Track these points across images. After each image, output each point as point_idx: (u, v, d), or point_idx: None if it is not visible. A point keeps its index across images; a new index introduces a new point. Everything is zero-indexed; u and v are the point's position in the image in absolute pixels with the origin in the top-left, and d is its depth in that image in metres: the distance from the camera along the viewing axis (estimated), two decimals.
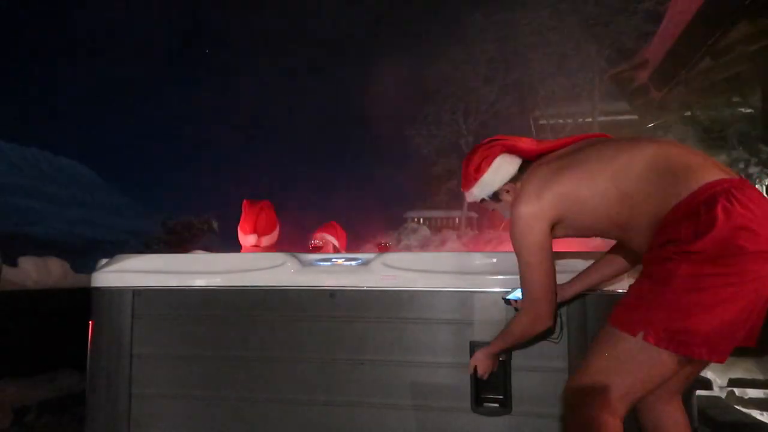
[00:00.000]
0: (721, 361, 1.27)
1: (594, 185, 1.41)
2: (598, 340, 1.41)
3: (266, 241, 2.81)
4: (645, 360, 1.29)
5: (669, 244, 1.28)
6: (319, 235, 3.45)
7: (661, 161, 1.36)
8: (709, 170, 1.30)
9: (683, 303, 1.24)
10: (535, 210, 1.46)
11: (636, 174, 1.36)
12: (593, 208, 1.43)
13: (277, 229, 2.87)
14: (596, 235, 1.56)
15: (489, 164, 1.60)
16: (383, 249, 3.51)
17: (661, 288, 1.27)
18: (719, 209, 1.21)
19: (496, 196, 1.64)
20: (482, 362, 1.70)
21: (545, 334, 1.70)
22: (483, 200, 1.67)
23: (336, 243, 3.44)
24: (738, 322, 1.23)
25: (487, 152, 1.62)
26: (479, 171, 1.62)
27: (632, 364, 1.31)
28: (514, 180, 1.60)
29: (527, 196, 1.49)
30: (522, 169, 1.59)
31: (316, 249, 3.41)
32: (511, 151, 1.61)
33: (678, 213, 1.27)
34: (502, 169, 1.60)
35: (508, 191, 1.61)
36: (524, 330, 1.59)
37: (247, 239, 2.79)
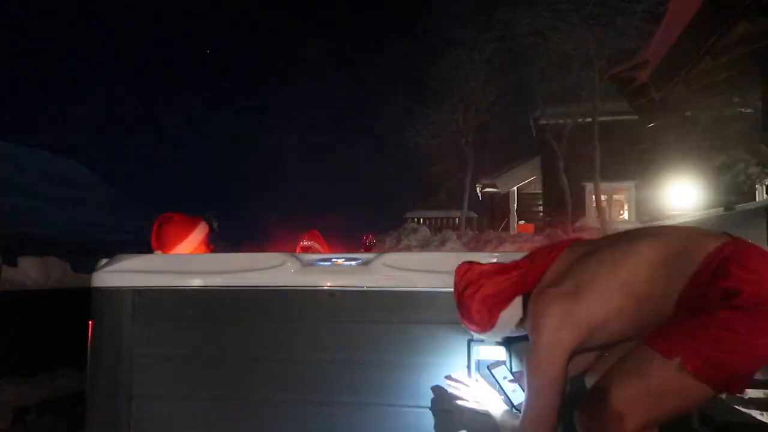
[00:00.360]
0: (739, 393, 1.30)
1: (608, 305, 1.40)
2: (635, 360, 1.34)
3: None
4: (681, 386, 1.27)
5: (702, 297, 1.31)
6: (306, 243, 3.45)
7: (661, 253, 1.38)
8: (706, 240, 1.36)
9: (727, 340, 1.24)
10: (564, 324, 1.41)
11: (645, 277, 1.37)
12: (614, 327, 1.42)
13: (184, 243, 2.61)
14: (626, 339, 1.49)
15: (498, 314, 1.55)
16: (367, 249, 3.47)
17: (704, 319, 1.27)
18: (738, 268, 1.27)
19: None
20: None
21: None
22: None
23: (320, 250, 3.45)
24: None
25: (485, 303, 1.55)
26: (492, 318, 1.55)
27: (668, 389, 1.28)
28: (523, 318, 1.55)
29: (556, 308, 1.43)
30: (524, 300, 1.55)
31: (305, 250, 3.40)
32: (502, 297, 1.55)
33: (700, 279, 1.31)
34: (514, 314, 1.55)
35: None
36: None
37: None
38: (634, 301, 1.39)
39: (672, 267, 1.36)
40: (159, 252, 2.59)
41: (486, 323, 1.56)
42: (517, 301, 1.55)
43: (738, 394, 1.32)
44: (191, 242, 2.64)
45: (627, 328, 1.43)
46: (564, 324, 1.40)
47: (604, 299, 1.41)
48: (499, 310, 1.54)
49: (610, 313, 1.40)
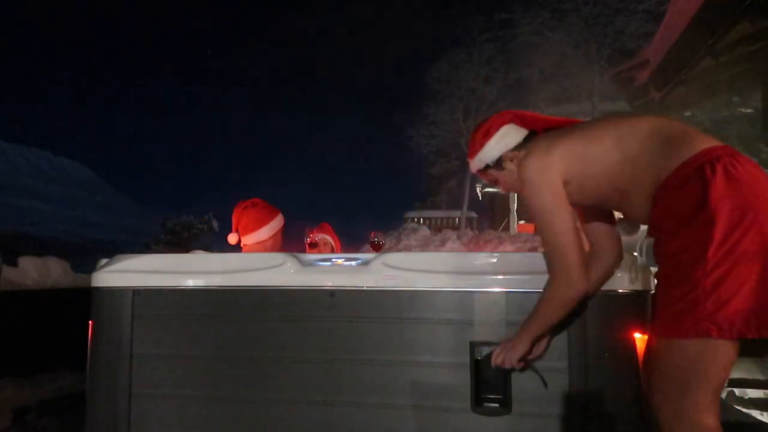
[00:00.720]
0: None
1: (599, 146, 1.48)
2: (662, 355, 1.38)
3: (250, 239, 2.70)
4: (717, 353, 1.29)
5: (680, 222, 1.30)
6: (317, 234, 3.42)
7: (662, 129, 1.43)
8: (707, 138, 1.38)
9: (725, 284, 1.23)
10: (544, 163, 1.52)
11: (639, 138, 1.43)
12: (597, 170, 1.48)
13: (267, 227, 2.71)
14: (596, 202, 1.59)
15: (497, 130, 1.67)
16: (377, 248, 3.46)
17: (698, 278, 1.26)
18: (721, 169, 1.27)
19: (499, 164, 1.69)
20: (513, 352, 1.61)
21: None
22: (487, 168, 1.72)
23: (333, 243, 3.42)
24: None
25: (496, 120, 1.69)
26: (487, 136, 1.68)
27: (707, 361, 1.30)
28: (518, 148, 1.65)
29: (536, 151, 1.55)
30: (528, 140, 1.65)
31: (312, 247, 3.37)
32: (521, 121, 1.68)
33: (683, 173, 1.31)
34: (508, 136, 1.67)
35: (511, 159, 1.66)
36: (557, 295, 1.52)
37: (229, 238, 2.73)
38: (620, 155, 1.43)
39: (666, 144, 1.39)
40: (234, 235, 2.66)
41: (480, 140, 1.70)
42: (512, 131, 1.67)
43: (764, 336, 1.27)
44: (271, 229, 2.71)
45: (609, 177, 1.47)
46: (545, 157, 1.52)
47: (589, 135, 1.51)
48: (497, 130, 1.67)
49: (599, 156, 1.47)
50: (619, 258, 1.68)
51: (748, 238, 1.22)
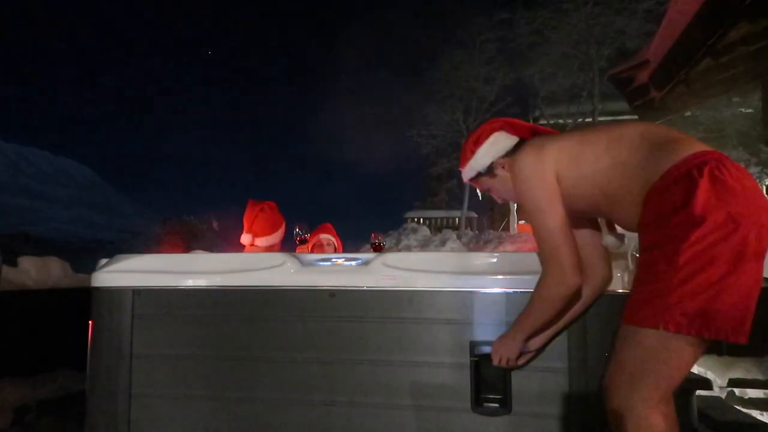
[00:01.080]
0: (744, 342, 1.23)
1: (591, 149, 1.48)
2: (621, 342, 1.38)
3: (263, 242, 2.76)
4: (673, 350, 1.28)
5: (662, 219, 1.29)
6: (323, 236, 3.41)
7: (651, 135, 1.43)
8: (696, 143, 1.38)
9: (692, 282, 1.22)
10: (538, 158, 1.52)
11: (629, 143, 1.43)
12: (588, 172, 1.47)
13: (279, 231, 2.82)
14: (585, 210, 1.57)
15: (487, 137, 1.67)
16: (378, 249, 3.45)
17: (666, 272, 1.25)
18: (707, 172, 1.26)
19: (491, 171, 1.68)
20: (509, 349, 1.65)
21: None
22: (479, 175, 1.71)
23: (336, 243, 3.42)
24: (749, 293, 1.23)
25: (486, 128, 1.70)
26: (477, 144, 1.68)
27: (662, 357, 1.29)
28: (509, 155, 1.65)
29: (529, 148, 1.56)
30: (518, 147, 1.65)
31: (302, 243, 3.37)
32: (511, 128, 1.68)
33: (671, 176, 1.30)
34: (499, 142, 1.67)
35: (503, 166, 1.66)
36: (551, 293, 1.52)
37: (242, 238, 2.79)
38: (610, 160, 1.43)
39: (655, 149, 1.38)
40: (248, 235, 2.72)
41: (471, 148, 1.70)
42: (503, 138, 1.67)
43: (741, 342, 1.25)
44: (281, 234, 2.81)
45: (599, 183, 1.46)
46: (539, 154, 1.53)
47: (582, 138, 1.52)
48: (487, 137, 1.68)
49: (590, 160, 1.47)
50: (608, 278, 1.67)
51: (727, 244, 1.21)
